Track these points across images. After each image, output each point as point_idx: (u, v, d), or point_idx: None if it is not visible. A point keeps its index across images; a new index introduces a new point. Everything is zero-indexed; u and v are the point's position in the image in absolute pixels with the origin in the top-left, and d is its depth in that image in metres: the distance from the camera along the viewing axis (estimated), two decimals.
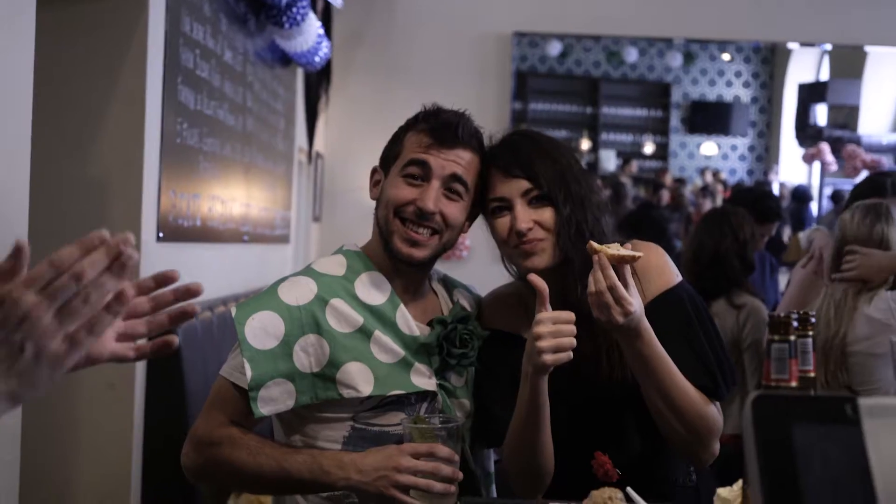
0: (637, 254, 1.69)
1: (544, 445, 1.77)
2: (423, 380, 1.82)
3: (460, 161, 1.83)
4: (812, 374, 1.31)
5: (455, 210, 1.84)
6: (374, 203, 1.92)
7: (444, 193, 1.81)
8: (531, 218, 1.83)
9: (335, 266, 1.88)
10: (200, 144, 3.20)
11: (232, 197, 3.66)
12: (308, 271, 1.89)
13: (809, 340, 1.30)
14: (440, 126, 1.84)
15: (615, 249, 1.68)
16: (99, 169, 2.66)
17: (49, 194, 2.47)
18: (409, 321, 1.83)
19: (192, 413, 2.52)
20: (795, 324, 1.25)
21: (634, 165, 6.73)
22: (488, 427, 1.90)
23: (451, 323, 1.83)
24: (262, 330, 1.75)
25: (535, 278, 1.69)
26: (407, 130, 1.90)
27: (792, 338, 1.24)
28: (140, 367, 2.69)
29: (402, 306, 1.84)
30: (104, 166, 2.66)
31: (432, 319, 1.86)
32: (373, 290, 1.83)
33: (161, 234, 2.82)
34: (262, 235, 4.23)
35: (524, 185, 1.85)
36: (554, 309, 1.77)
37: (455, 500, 1.64)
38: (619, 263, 1.67)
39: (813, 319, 1.34)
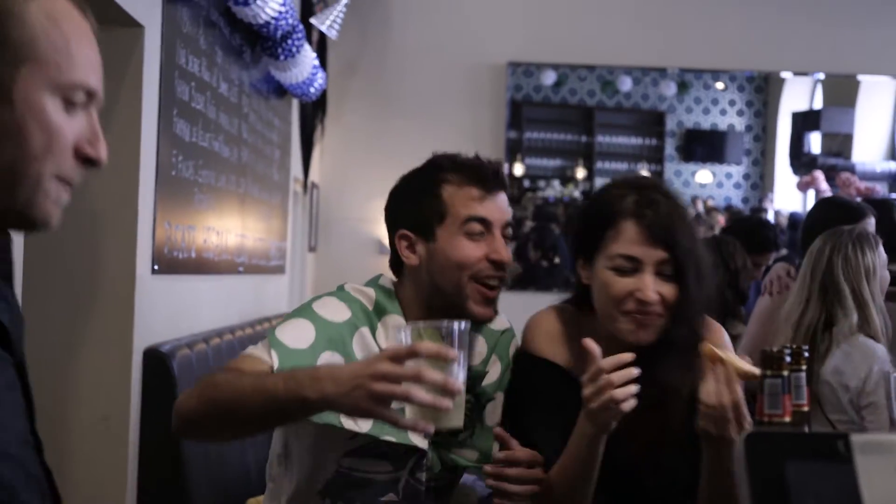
0: (756, 372, 1.50)
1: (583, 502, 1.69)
2: (418, 437, 1.71)
3: (506, 205, 1.79)
4: (806, 409, 1.31)
5: (510, 253, 1.79)
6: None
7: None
8: (660, 291, 1.72)
9: (366, 297, 1.82)
10: (196, 176, 3.19)
11: (227, 228, 3.65)
12: (343, 294, 1.83)
13: (803, 374, 1.30)
14: (484, 177, 1.78)
15: (741, 362, 1.53)
16: (94, 202, 2.65)
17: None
18: None
19: (187, 447, 2.50)
20: (788, 358, 1.25)
21: None
22: None
23: None
24: (293, 333, 1.71)
25: (590, 344, 1.58)
26: (440, 184, 1.80)
27: (785, 373, 1.24)
28: (135, 400, 2.67)
29: None
30: (99, 199, 2.65)
31: None
32: (395, 335, 1.70)
33: (156, 267, 2.81)
34: (257, 266, 4.22)
35: (661, 255, 1.73)
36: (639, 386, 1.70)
37: (461, 415, 1.47)
38: (742, 379, 1.52)
39: (806, 354, 1.33)
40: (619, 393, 1.49)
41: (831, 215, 3.59)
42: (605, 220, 1.78)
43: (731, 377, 1.50)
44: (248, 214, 4.03)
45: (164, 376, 2.57)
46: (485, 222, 1.74)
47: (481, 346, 1.89)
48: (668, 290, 1.72)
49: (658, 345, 1.74)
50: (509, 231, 1.78)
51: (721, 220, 6.61)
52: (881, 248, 2.96)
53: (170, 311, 2.95)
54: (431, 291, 1.79)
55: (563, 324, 1.88)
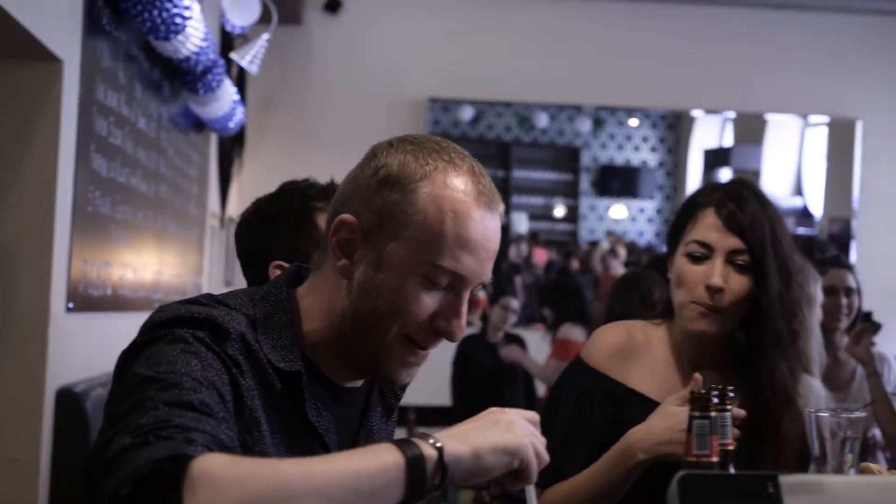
0: None
1: None
2: None
3: None
4: (731, 447, 1.30)
5: None
6: None
7: None
8: (729, 280, 1.68)
9: None
10: (113, 212, 3.14)
11: (143, 264, 3.59)
12: None
13: (729, 414, 1.30)
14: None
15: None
16: (7, 237, 2.59)
17: None
18: None
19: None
20: (716, 399, 1.26)
21: (538, 249, 6.81)
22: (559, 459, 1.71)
23: None
24: None
25: (698, 380, 1.52)
26: (314, 211, 1.82)
27: (713, 413, 1.25)
28: (46, 440, 2.59)
29: None
30: (13, 234, 2.59)
31: None
32: None
33: (71, 305, 2.75)
34: (173, 300, 4.16)
35: (736, 243, 1.70)
36: (714, 372, 1.69)
37: None
38: None
39: (731, 394, 1.33)
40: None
41: None
42: (688, 211, 1.78)
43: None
44: (165, 250, 3.97)
45: (77, 416, 2.50)
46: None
47: None
48: (740, 281, 1.69)
49: (751, 343, 1.73)
50: None
51: (622, 253, 6.68)
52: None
53: (85, 350, 2.88)
54: None
55: (625, 337, 1.83)
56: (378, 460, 1.01)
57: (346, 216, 1.28)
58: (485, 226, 1.29)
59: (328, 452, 1.26)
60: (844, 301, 3.49)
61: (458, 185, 1.29)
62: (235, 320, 1.22)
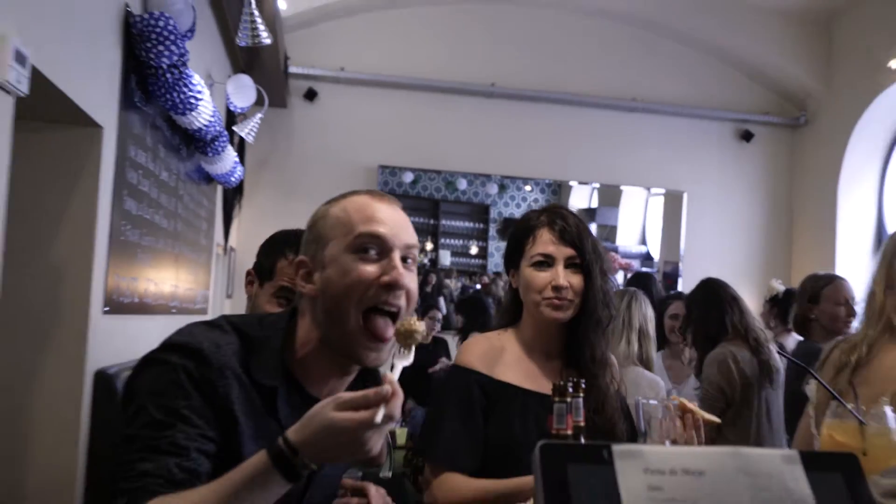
0: (715, 420, 1.49)
1: None
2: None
3: None
4: (582, 424, 1.29)
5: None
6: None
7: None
8: (570, 280, 1.66)
9: None
10: (140, 240, 3.11)
11: (163, 279, 3.55)
12: None
13: (581, 399, 1.30)
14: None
15: (704, 414, 1.47)
16: (60, 257, 2.56)
17: (20, 276, 2.36)
18: None
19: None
20: (571, 388, 1.27)
21: (455, 279, 6.83)
22: (448, 446, 1.64)
23: None
24: None
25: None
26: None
27: (568, 399, 1.26)
28: (85, 410, 2.53)
29: None
30: (64, 255, 2.56)
31: None
32: None
33: (106, 308, 2.71)
34: (186, 308, 4.10)
35: (570, 252, 1.68)
36: (546, 363, 1.68)
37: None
38: (705, 424, 1.47)
39: (584, 384, 1.33)
40: None
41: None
42: (525, 233, 1.75)
43: (700, 426, 1.46)
44: (181, 270, 3.92)
45: (109, 392, 2.46)
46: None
47: None
48: (577, 279, 1.67)
49: (579, 323, 1.69)
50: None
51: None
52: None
53: (116, 342, 2.84)
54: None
55: (487, 345, 1.79)
56: (251, 465, 1.01)
57: (300, 257, 1.27)
58: (385, 207, 1.27)
59: None
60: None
61: (356, 196, 1.30)
62: (222, 350, 1.17)
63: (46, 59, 2.06)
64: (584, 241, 1.69)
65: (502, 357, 1.74)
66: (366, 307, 1.20)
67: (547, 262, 1.69)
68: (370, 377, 1.36)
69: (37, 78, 2.04)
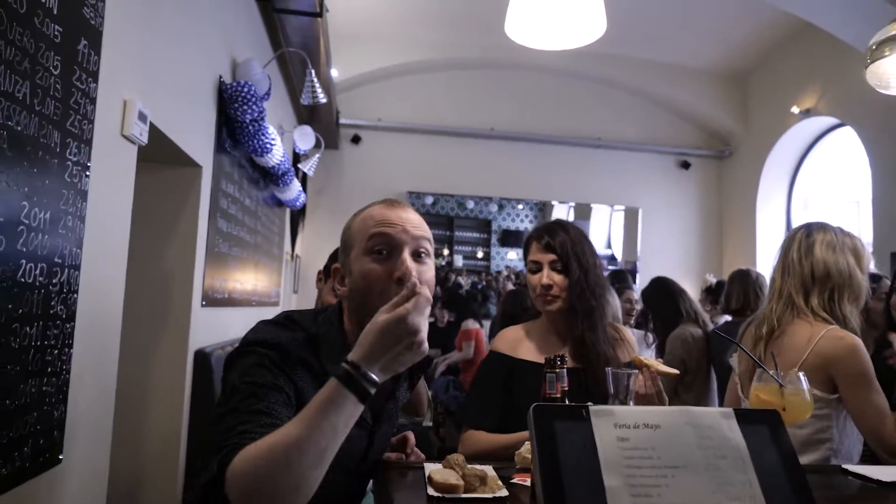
0: (674, 371, 1.36)
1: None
2: None
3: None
4: (566, 388, 1.24)
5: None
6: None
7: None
8: (552, 279, 1.59)
9: None
10: (229, 251, 3.12)
11: (246, 280, 3.57)
12: None
13: (565, 371, 1.23)
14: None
15: (659, 365, 1.35)
16: (170, 264, 2.57)
17: (141, 278, 2.39)
18: None
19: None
20: (559, 362, 1.24)
21: (464, 275, 6.81)
22: (474, 410, 1.58)
23: None
24: None
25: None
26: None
27: (558, 370, 1.23)
28: (188, 381, 2.54)
29: None
30: (173, 263, 2.57)
31: None
32: None
33: (203, 303, 2.73)
34: (263, 302, 4.11)
35: (551, 257, 1.60)
36: (562, 344, 1.55)
37: None
38: (660, 375, 1.36)
39: (567, 359, 1.27)
40: None
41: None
42: (525, 246, 1.70)
43: (654, 376, 1.36)
44: (259, 272, 3.94)
45: (206, 367, 2.48)
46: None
47: None
48: (560, 278, 1.60)
49: (566, 313, 1.61)
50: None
51: (513, 278, 6.67)
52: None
53: (211, 328, 2.86)
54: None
55: (517, 332, 1.71)
56: (324, 394, 0.84)
57: (335, 265, 1.18)
58: (391, 211, 1.13)
59: (361, 420, 1.09)
60: (635, 307, 3.51)
61: (371, 207, 1.17)
62: (296, 340, 1.05)
63: (161, 117, 2.08)
64: (565, 247, 1.61)
65: (526, 341, 1.68)
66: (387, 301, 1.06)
67: (537, 267, 1.64)
68: None
69: (154, 131, 2.06)
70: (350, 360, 0.86)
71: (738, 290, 3.06)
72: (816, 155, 6.08)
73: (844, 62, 5.00)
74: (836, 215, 5.88)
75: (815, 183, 6.18)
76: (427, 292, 0.89)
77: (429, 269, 1.12)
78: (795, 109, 5.65)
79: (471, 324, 4.98)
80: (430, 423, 3.37)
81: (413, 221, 1.13)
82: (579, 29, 1.75)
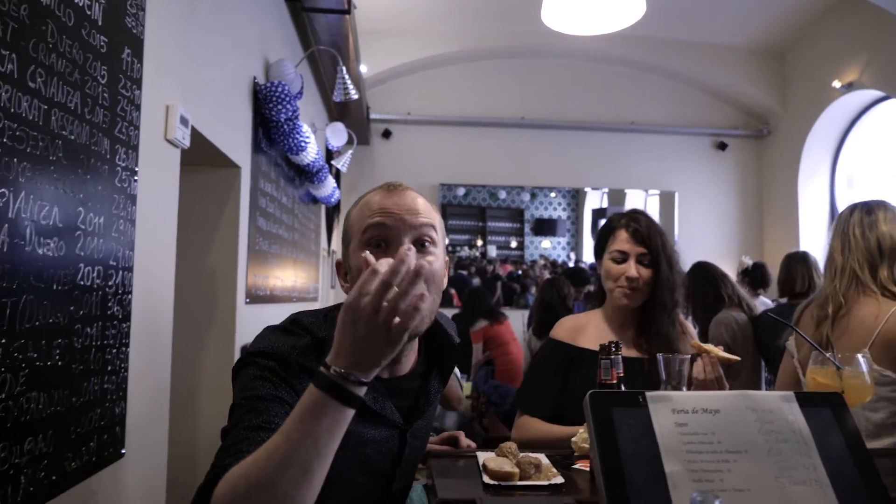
0: (735, 358, 1.29)
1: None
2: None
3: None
4: (622, 374, 1.22)
5: None
6: None
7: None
8: (640, 272, 1.54)
9: None
10: (269, 249, 3.17)
11: (286, 277, 3.62)
12: None
13: (620, 357, 1.22)
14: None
15: (719, 351, 1.30)
16: (215, 263, 2.63)
17: (188, 276, 2.45)
18: None
19: None
20: (614, 348, 1.21)
21: (504, 266, 6.79)
22: (530, 397, 1.56)
23: None
24: None
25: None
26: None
27: (613, 357, 1.21)
28: None
29: None
30: (217, 262, 2.63)
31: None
32: None
33: (247, 300, 2.78)
34: (303, 297, 4.17)
35: (641, 250, 1.54)
36: (634, 340, 1.52)
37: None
38: (721, 362, 1.31)
39: (621, 346, 1.24)
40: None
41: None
42: (607, 232, 1.63)
43: (715, 362, 1.30)
44: (298, 269, 4.00)
45: None
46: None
47: None
48: (647, 272, 1.54)
49: (649, 306, 1.56)
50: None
51: (549, 267, 6.66)
52: None
53: (255, 323, 2.91)
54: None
55: (575, 321, 1.67)
56: (303, 403, 0.76)
57: (338, 259, 1.11)
58: (389, 198, 1.03)
59: (389, 421, 1.04)
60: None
61: (367, 194, 1.08)
62: (298, 347, 0.97)
63: (201, 121, 2.12)
64: (654, 240, 1.55)
65: (586, 330, 1.64)
66: None
67: (622, 257, 1.57)
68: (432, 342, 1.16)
69: (195, 135, 2.11)
70: (325, 361, 0.77)
71: (802, 273, 2.99)
72: (860, 130, 5.87)
73: (889, 32, 4.81)
74: (882, 192, 5.67)
75: (860, 159, 5.96)
76: (411, 261, 0.75)
77: (435, 260, 1.01)
78: (837, 84, 5.46)
79: (478, 325, 4.74)
80: (474, 414, 3.38)
81: (413, 208, 1.02)
82: (618, 12, 1.72)
